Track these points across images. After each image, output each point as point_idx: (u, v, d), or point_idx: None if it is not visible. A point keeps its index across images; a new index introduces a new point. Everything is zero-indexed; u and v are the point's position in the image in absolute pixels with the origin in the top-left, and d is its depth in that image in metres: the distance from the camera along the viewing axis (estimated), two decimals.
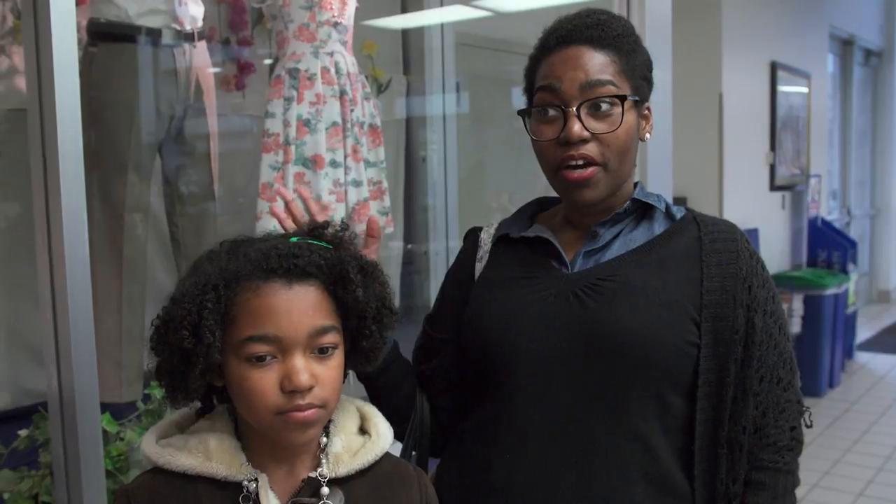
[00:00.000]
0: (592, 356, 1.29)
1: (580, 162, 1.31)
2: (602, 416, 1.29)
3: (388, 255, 3.86)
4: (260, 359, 1.04)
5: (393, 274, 3.87)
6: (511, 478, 1.32)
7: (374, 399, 1.40)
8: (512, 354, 1.34)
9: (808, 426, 1.40)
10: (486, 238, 1.52)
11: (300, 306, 1.06)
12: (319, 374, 1.06)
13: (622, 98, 1.32)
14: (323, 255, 1.09)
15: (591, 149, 1.31)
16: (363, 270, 1.13)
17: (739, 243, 1.37)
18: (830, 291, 5.89)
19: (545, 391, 1.31)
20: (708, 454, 1.32)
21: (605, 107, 1.31)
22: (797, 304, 5.80)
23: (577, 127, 1.30)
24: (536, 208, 1.54)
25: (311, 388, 1.05)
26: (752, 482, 1.33)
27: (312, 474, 1.12)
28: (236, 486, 1.08)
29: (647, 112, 1.41)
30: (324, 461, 1.13)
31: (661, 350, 1.28)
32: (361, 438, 1.18)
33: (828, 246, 6.59)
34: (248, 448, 1.11)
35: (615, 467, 1.28)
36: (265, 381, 1.04)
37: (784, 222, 6.58)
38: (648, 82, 1.41)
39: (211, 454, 1.09)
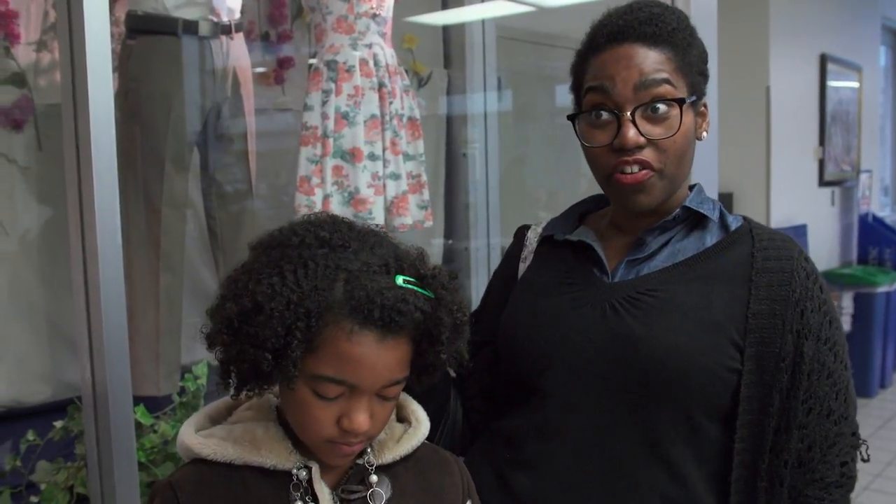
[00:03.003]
0: (624, 373, 1.22)
1: (635, 168, 1.24)
2: (630, 436, 1.23)
3: (429, 251, 3.82)
4: (329, 397, 1.02)
5: None
6: (534, 489, 1.27)
7: None
8: (543, 363, 1.29)
9: (864, 460, 1.29)
10: (532, 237, 1.47)
11: (386, 361, 1.02)
12: (377, 413, 1.05)
13: (680, 101, 1.24)
14: (423, 309, 1.03)
15: (647, 154, 1.24)
16: (455, 329, 1.08)
17: (795, 262, 1.26)
18: (882, 289, 5.77)
19: (576, 403, 1.26)
20: (745, 486, 1.23)
21: (661, 109, 1.23)
22: (847, 303, 5.68)
23: (632, 133, 1.22)
24: (588, 207, 1.48)
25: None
26: None
27: (359, 461, 1.10)
28: (285, 475, 1.06)
29: (703, 109, 1.33)
30: (368, 449, 1.12)
31: (696, 373, 1.20)
32: (401, 426, 1.17)
33: (879, 243, 6.45)
34: (293, 436, 1.09)
35: (639, 491, 1.22)
36: (326, 413, 1.02)
37: (833, 218, 6.45)
38: (705, 76, 1.32)
39: (259, 443, 1.07)
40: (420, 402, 1.36)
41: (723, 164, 2.51)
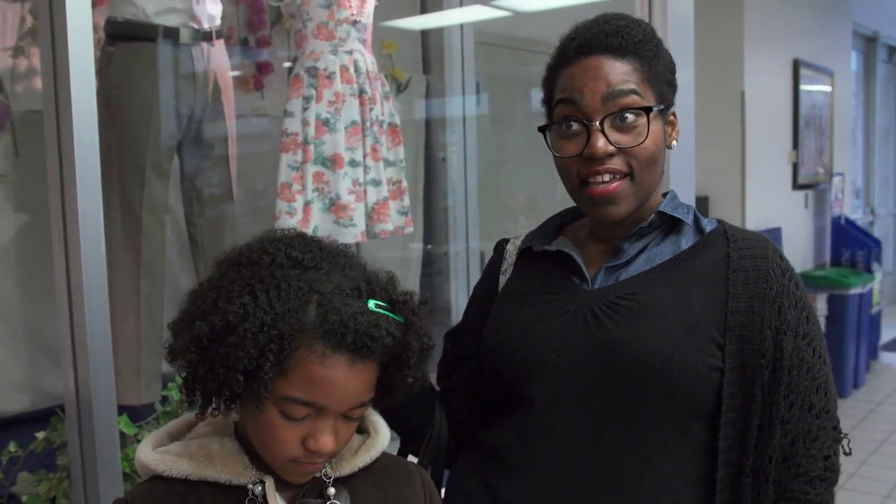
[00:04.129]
0: (607, 378, 1.24)
1: (606, 178, 1.26)
2: (615, 440, 1.24)
3: (408, 256, 3.85)
4: (296, 418, 1.02)
5: (412, 275, 3.86)
6: (520, 496, 1.28)
7: (389, 423, 1.31)
8: (527, 371, 1.30)
9: (846, 454, 1.31)
10: (511, 250, 1.49)
11: (355, 384, 1.03)
12: (341, 432, 1.06)
13: (647, 109, 1.26)
14: (393, 334, 1.04)
15: (616, 162, 1.26)
16: (421, 353, 1.10)
17: (770, 260, 1.28)
18: (855, 291, 5.83)
19: (560, 410, 1.27)
20: (731, 483, 1.25)
21: (630, 118, 1.25)
22: (821, 304, 5.74)
23: (601, 142, 1.24)
24: (565, 219, 1.49)
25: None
26: None
27: (317, 474, 1.10)
28: (241, 490, 1.07)
29: (672, 118, 1.35)
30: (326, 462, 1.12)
31: (678, 374, 1.21)
32: (360, 437, 1.17)
33: (851, 245, 6.52)
34: (250, 450, 1.09)
35: (627, 493, 1.23)
36: (292, 434, 1.03)
37: (807, 221, 6.52)
38: (672, 86, 1.35)
39: (213, 458, 1.08)
40: (405, 415, 1.37)
41: (699, 169, 2.53)
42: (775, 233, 5.63)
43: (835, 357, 5.75)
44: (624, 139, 1.26)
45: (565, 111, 1.29)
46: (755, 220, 5.49)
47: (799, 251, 6.26)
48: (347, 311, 1.00)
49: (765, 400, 1.24)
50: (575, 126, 1.28)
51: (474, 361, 1.43)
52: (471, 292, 1.56)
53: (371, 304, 1.04)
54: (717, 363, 1.23)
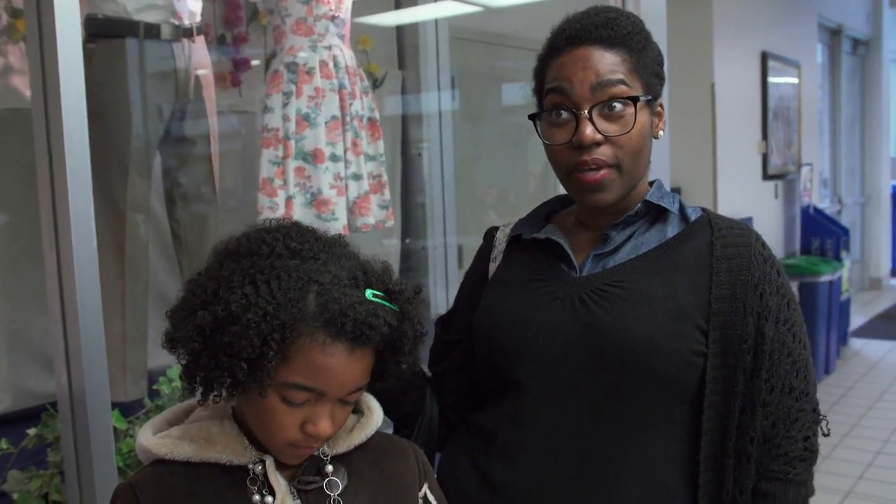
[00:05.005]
0: (595, 362, 1.27)
1: (593, 166, 1.29)
2: (603, 423, 1.27)
3: (387, 251, 3.86)
4: (296, 403, 1.05)
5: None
6: (509, 478, 1.31)
7: (382, 409, 1.32)
8: (517, 357, 1.33)
9: (825, 435, 1.35)
10: (500, 238, 1.51)
11: (353, 370, 1.06)
12: (337, 416, 1.09)
13: (634, 99, 1.29)
14: (390, 323, 1.07)
15: (603, 152, 1.28)
16: (415, 340, 1.13)
17: (753, 248, 1.32)
18: (825, 278, 5.91)
19: (549, 395, 1.30)
20: (714, 464, 1.29)
21: (617, 107, 1.28)
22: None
23: (589, 130, 1.27)
24: (554, 207, 1.52)
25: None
26: (760, 492, 1.29)
27: (315, 453, 1.13)
28: (241, 470, 1.09)
29: (659, 109, 1.39)
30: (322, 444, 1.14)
31: (664, 359, 1.25)
32: (354, 416, 1.20)
33: (820, 234, 6.61)
34: (248, 432, 1.11)
35: (614, 475, 1.27)
36: (291, 419, 1.05)
37: (777, 211, 6.60)
38: (660, 78, 1.38)
39: (214, 440, 1.10)
40: (397, 400, 1.40)
41: (671, 159, 2.57)
42: (746, 222, 5.68)
43: None
44: (611, 128, 1.28)
45: (555, 100, 1.31)
46: (727, 209, 5.55)
47: (770, 240, 6.21)
48: (346, 300, 1.03)
49: (746, 383, 1.27)
50: (564, 114, 1.30)
51: (465, 347, 1.46)
52: (460, 281, 1.59)
53: (368, 293, 1.07)
54: (700, 348, 1.27)
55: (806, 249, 6.68)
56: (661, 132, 1.39)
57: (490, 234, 1.55)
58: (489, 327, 1.39)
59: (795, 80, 6.85)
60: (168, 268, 2.85)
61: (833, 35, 8.35)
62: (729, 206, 5.59)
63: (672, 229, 1.37)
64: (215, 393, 1.05)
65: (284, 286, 1.02)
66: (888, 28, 9.30)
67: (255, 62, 3.25)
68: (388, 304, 1.09)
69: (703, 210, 1.42)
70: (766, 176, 6.33)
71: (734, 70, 5.76)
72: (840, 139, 8.72)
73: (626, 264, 1.34)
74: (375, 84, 3.73)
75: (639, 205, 1.36)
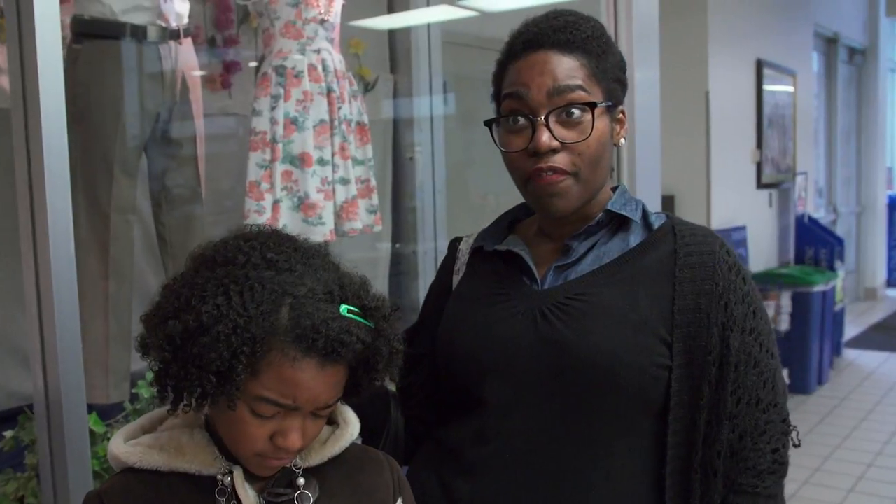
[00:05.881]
0: (558, 378, 1.25)
1: (550, 173, 1.26)
2: (568, 439, 1.25)
3: (377, 255, 3.85)
4: (265, 416, 1.04)
5: (381, 274, 3.87)
6: (476, 497, 1.28)
7: None
8: (481, 373, 1.30)
9: (795, 445, 1.32)
10: (464, 249, 1.49)
11: (324, 386, 1.04)
12: (309, 429, 1.07)
13: (592, 105, 1.26)
14: (363, 340, 1.06)
15: (560, 159, 1.26)
16: (390, 358, 1.12)
17: (717, 256, 1.28)
18: (818, 288, 5.90)
19: (512, 411, 1.28)
20: (680, 479, 1.26)
21: (575, 114, 1.25)
22: (785, 301, 5.80)
23: (545, 137, 1.24)
24: (517, 214, 1.50)
25: None
26: None
27: (287, 465, 1.12)
28: (211, 480, 1.08)
29: (621, 116, 1.35)
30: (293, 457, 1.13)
31: (627, 373, 1.22)
32: (329, 428, 1.19)
33: (815, 243, 6.62)
34: (220, 442, 1.10)
35: (580, 490, 1.25)
36: (260, 431, 1.04)
37: (771, 220, 6.60)
38: (622, 84, 1.34)
39: (183, 449, 1.09)
40: (361, 413, 1.36)
41: (664, 168, 2.56)
42: (740, 231, 5.70)
43: (799, 354, 5.85)
44: (568, 135, 1.26)
45: (512, 105, 1.29)
46: (720, 218, 5.55)
47: (763, 249, 6.34)
48: (319, 316, 1.02)
49: (712, 396, 1.25)
50: (521, 120, 1.28)
51: (430, 360, 1.43)
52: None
53: (343, 309, 1.06)
54: (665, 361, 1.24)
55: (800, 259, 6.68)
56: (622, 139, 1.36)
57: (453, 245, 1.52)
58: (451, 343, 1.37)
59: (791, 89, 6.85)
60: (156, 270, 2.84)
61: (829, 44, 8.36)
62: (722, 214, 5.59)
63: (635, 238, 1.34)
64: (185, 402, 1.04)
65: (258, 298, 1.01)
66: (885, 37, 9.32)
67: (251, 64, 3.24)
68: (362, 320, 1.08)
69: (668, 216, 1.39)
70: (761, 184, 6.33)
71: (729, 78, 5.76)
72: (836, 148, 8.73)
73: (588, 276, 1.31)
74: (367, 88, 3.73)
75: (600, 215, 1.34)
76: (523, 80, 1.27)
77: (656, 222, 1.36)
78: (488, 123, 1.35)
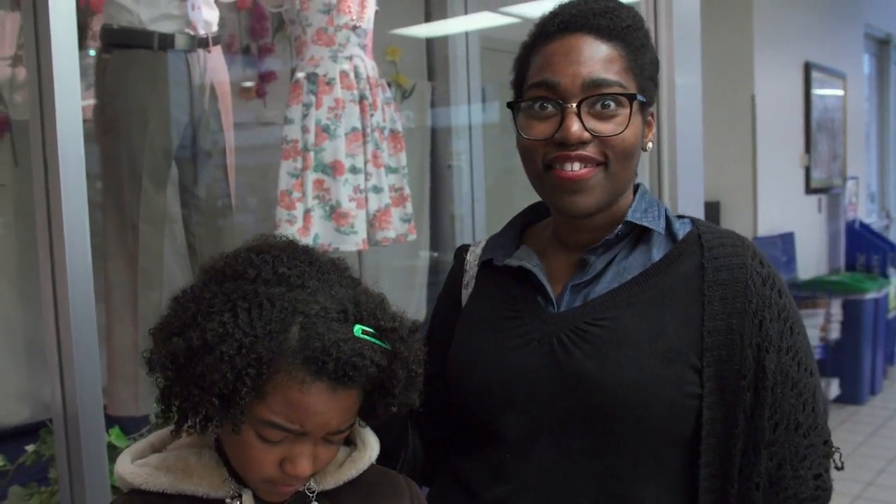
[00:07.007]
0: (578, 413, 1.15)
1: (575, 166, 1.15)
2: (590, 476, 1.16)
3: (415, 263, 3.82)
4: (273, 441, 0.99)
5: (419, 283, 3.83)
6: None
7: None
8: (497, 407, 1.21)
9: (838, 468, 1.22)
10: (471, 261, 1.38)
11: (335, 411, 0.99)
12: (321, 455, 1.02)
13: (631, 97, 1.16)
14: (378, 364, 1.00)
15: (590, 149, 1.15)
16: (408, 382, 1.05)
17: (749, 269, 1.17)
18: (870, 296, 5.76)
19: (531, 446, 1.18)
20: None
21: (611, 106, 1.15)
22: (836, 310, 5.66)
23: (575, 126, 1.13)
24: (529, 217, 1.39)
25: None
26: None
27: (301, 488, 1.07)
28: (219, 503, 1.03)
29: (650, 119, 1.25)
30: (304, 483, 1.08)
31: (654, 407, 1.13)
32: (346, 449, 1.13)
33: (867, 249, 6.46)
34: (230, 462, 1.06)
35: None
36: (268, 456, 0.99)
37: (821, 226, 6.45)
38: (655, 84, 1.23)
39: (191, 470, 1.04)
40: (378, 432, 1.28)
41: (709, 174, 2.49)
42: (788, 238, 5.58)
43: (851, 364, 5.72)
44: (602, 127, 1.15)
45: (540, 92, 1.18)
46: (767, 224, 5.43)
47: (813, 256, 6.20)
48: (330, 337, 0.96)
49: (747, 423, 1.15)
50: (549, 107, 1.17)
51: (442, 381, 1.30)
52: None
53: (357, 329, 1.00)
54: (695, 390, 1.15)
55: (851, 266, 6.51)
56: (649, 144, 1.25)
57: (460, 255, 1.42)
58: (463, 371, 1.27)
59: (841, 92, 6.70)
60: (186, 279, 2.83)
61: (881, 45, 8.18)
62: (769, 220, 5.47)
63: (658, 250, 1.23)
64: (189, 423, 1.00)
65: (266, 316, 0.96)
66: None
67: (288, 73, 3.23)
68: (377, 341, 1.01)
69: (693, 222, 1.27)
70: (809, 190, 6.19)
71: (776, 81, 5.64)
72: (889, 152, 8.53)
73: (608, 297, 1.20)
74: (404, 95, 3.71)
75: (619, 227, 1.22)
76: (555, 66, 1.16)
77: (681, 231, 1.26)
78: (511, 105, 1.23)
